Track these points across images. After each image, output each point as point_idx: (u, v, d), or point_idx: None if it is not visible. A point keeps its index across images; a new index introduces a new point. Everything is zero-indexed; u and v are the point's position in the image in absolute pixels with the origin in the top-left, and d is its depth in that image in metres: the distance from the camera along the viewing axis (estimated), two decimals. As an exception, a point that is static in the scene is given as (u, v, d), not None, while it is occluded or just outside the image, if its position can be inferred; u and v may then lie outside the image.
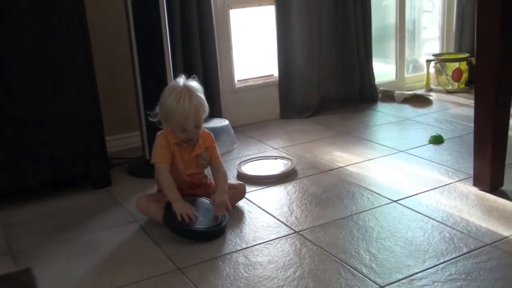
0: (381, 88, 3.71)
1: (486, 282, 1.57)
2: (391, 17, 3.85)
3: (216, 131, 2.56)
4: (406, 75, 3.94)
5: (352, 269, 1.68)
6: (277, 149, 2.83)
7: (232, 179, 2.36)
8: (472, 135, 2.21)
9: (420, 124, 3.13)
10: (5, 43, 2.14)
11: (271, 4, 3.26)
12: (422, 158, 2.58)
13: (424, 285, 1.57)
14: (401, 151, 2.69)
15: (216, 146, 2.14)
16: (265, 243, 1.87)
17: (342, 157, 2.65)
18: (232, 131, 2.93)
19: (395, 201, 2.13)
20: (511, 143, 2.25)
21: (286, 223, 2.01)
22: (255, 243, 1.88)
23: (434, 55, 3.96)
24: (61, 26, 2.22)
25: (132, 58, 2.50)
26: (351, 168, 2.50)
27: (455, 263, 1.68)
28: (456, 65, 3.78)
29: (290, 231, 1.95)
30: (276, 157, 2.68)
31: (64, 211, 2.21)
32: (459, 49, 3.95)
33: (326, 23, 3.38)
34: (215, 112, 2.98)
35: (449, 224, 1.92)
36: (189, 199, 2.03)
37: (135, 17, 2.43)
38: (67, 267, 1.79)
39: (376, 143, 2.84)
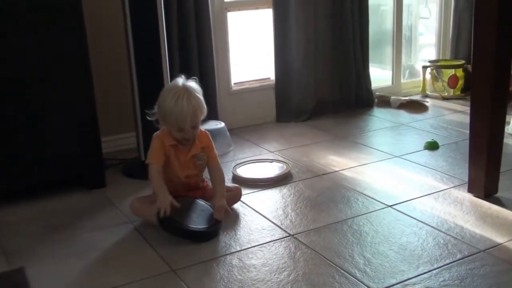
0: (377, 93, 3.72)
1: (480, 288, 1.58)
2: (388, 23, 3.86)
3: (212, 133, 2.53)
4: (402, 81, 3.96)
5: (346, 273, 1.68)
6: (272, 152, 2.83)
7: (228, 182, 2.35)
8: (467, 141, 2.22)
9: (415, 130, 3.14)
10: (1, 43, 2.13)
11: (268, 7, 3.27)
12: (417, 163, 2.59)
13: (418, 290, 1.58)
14: (396, 156, 2.69)
15: (214, 146, 2.14)
16: (259, 246, 1.87)
17: (338, 161, 2.65)
18: (228, 133, 2.93)
19: (390, 206, 2.14)
20: (505, 150, 2.26)
21: (280, 226, 2.01)
22: (249, 246, 1.87)
23: (430, 61, 3.97)
24: (58, 26, 2.22)
25: (129, 59, 2.50)
26: (346, 173, 2.50)
27: (449, 269, 1.68)
28: (452, 71, 3.79)
29: (285, 234, 1.95)
30: (271, 160, 2.68)
31: (58, 212, 2.21)
32: (455, 56, 3.97)
33: (323, 27, 3.39)
34: (211, 114, 2.96)
35: (443, 230, 1.93)
36: (186, 200, 2.03)
37: (132, 18, 2.42)
38: (60, 267, 1.78)
39: (371, 148, 2.85)
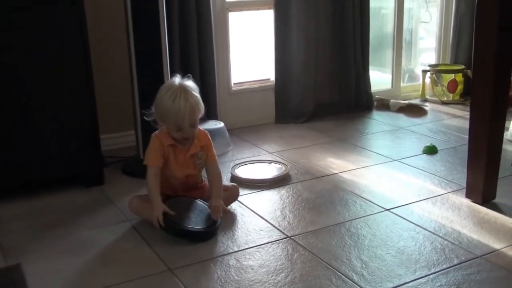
0: (376, 96, 3.73)
1: (476, 293, 1.58)
2: (389, 26, 3.87)
3: (211, 133, 2.53)
4: (402, 85, 3.96)
5: (343, 276, 1.68)
6: (271, 153, 2.83)
7: (226, 182, 2.35)
8: (465, 146, 2.22)
9: (414, 133, 3.14)
10: (3, 39, 2.13)
11: (269, 8, 3.27)
12: (415, 167, 2.59)
13: (415, 295, 1.58)
14: (395, 160, 2.70)
15: (212, 145, 2.13)
16: (257, 247, 1.87)
17: (336, 164, 2.65)
18: (227, 133, 2.93)
19: (388, 209, 2.14)
20: (504, 156, 2.26)
21: (278, 227, 2.01)
22: (247, 247, 1.87)
23: (430, 65, 3.98)
24: (60, 23, 2.21)
25: (130, 58, 2.49)
26: (344, 175, 2.50)
27: (446, 274, 1.68)
28: (451, 76, 3.80)
29: (282, 236, 1.95)
30: (270, 161, 2.68)
31: (56, 209, 2.20)
32: (455, 61, 3.98)
33: (324, 29, 3.39)
34: (210, 114, 2.98)
35: (440, 234, 1.93)
36: (184, 200, 2.03)
37: (134, 17, 2.42)
38: (57, 265, 1.78)
39: (370, 151, 2.85)
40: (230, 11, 3.16)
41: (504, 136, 2.22)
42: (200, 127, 2.10)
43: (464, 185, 2.24)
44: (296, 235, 1.95)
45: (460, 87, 3.82)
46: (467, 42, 3.87)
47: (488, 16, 1.99)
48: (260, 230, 2.00)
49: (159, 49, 2.48)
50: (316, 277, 1.68)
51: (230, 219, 2.08)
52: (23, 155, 2.24)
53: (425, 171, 2.54)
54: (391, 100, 3.68)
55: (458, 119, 3.43)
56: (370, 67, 3.62)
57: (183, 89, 1.98)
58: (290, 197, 2.28)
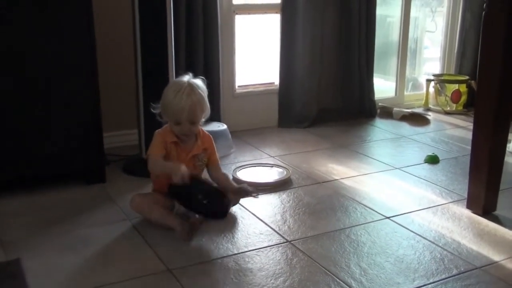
0: (380, 104, 3.73)
1: (474, 305, 1.59)
2: (394, 35, 3.88)
3: (214, 135, 2.54)
4: (405, 93, 3.97)
5: (342, 282, 1.68)
6: (273, 157, 2.84)
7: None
8: (467, 157, 2.22)
9: (416, 142, 3.15)
10: (7, 37, 2.14)
11: (276, 12, 3.28)
12: (417, 176, 2.59)
13: (413, 304, 1.58)
14: (396, 168, 2.70)
15: (216, 150, 2.15)
16: (256, 250, 1.87)
17: (338, 170, 2.65)
18: (229, 135, 2.93)
19: (388, 217, 2.14)
20: (506, 169, 2.26)
21: (278, 231, 2.01)
22: (246, 250, 1.88)
23: (434, 75, 3.98)
24: (67, 21, 2.22)
25: (136, 58, 2.50)
26: (346, 181, 2.51)
27: (445, 284, 1.68)
28: (455, 86, 3.80)
29: (282, 240, 1.95)
30: (272, 165, 2.69)
31: (56, 205, 2.20)
32: (459, 71, 3.98)
33: (330, 35, 3.40)
34: (214, 116, 2.97)
35: (440, 244, 1.93)
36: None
37: (141, 17, 2.43)
38: (56, 261, 1.78)
39: (372, 158, 2.85)
40: (237, 14, 3.17)
41: (507, 148, 2.21)
42: (205, 131, 2.11)
43: (465, 195, 2.24)
44: (296, 239, 1.95)
45: (463, 98, 3.82)
46: (471, 53, 3.87)
47: (494, 29, 2.00)
48: (260, 233, 2.00)
49: (165, 49, 2.49)
50: (315, 282, 1.68)
51: (230, 222, 2.08)
52: (26, 151, 2.25)
53: (426, 180, 2.54)
54: (394, 108, 3.69)
55: (461, 129, 3.43)
56: (374, 75, 3.62)
57: (189, 86, 2.01)
58: (291, 202, 2.28)
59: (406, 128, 3.45)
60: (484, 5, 2.03)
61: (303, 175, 2.58)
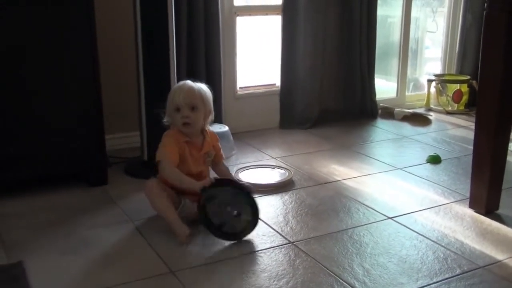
0: (381, 104, 3.73)
1: (478, 304, 1.58)
2: (396, 35, 3.87)
3: (216, 136, 2.57)
4: (407, 93, 3.97)
5: (345, 283, 1.68)
6: (275, 158, 2.83)
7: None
8: (469, 157, 2.22)
9: (418, 142, 3.14)
10: (7, 36, 2.14)
11: (277, 14, 3.28)
12: (419, 176, 2.59)
13: (416, 304, 1.58)
14: (398, 169, 2.69)
15: (220, 147, 2.23)
16: (259, 252, 1.87)
17: (340, 171, 2.65)
18: (231, 137, 2.93)
19: (391, 218, 2.14)
20: (508, 168, 2.26)
21: (281, 233, 2.01)
22: (249, 251, 1.87)
23: (435, 75, 3.98)
24: (69, 21, 2.22)
25: (137, 59, 2.50)
26: (348, 182, 2.50)
27: (448, 284, 1.68)
28: (457, 86, 3.80)
29: (285, 241, 1.95)
30: (273, 167, 2.69)
31: (59, 207, 2.20)
32: (460, 71, 3.98)
33: (331, 36, 3.40)
34: (215, 118, 2.95)
35: (443, 244, 1.93)
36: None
37: (143, 19, 2.43)
38: (58, 263, 1.78)
39: (374, 158, 2.85)
40: (238, 15, 3.17)
41: (509, 148, 2.21)
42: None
43: (468, 195, 2.24)
44: (299, 241, 1.95)
45: (465, 98, 3.82)
46: (473, 53, 3.87)
47: (495, 29, 2.00)
48: (263, 235, 2.00)
49: (167, 52, 2.49)
50: (318, 283, 1.68)
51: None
52: (27, 152, 2.25)
53: (429, 180, 2.54)
54: (396, 109, 3.68)
55: (462, 129, 3.43)
56: (376, 75, 3.62)
57: (193, 81, 2.08)
58: (293, 203, 2.28)
59: (407, 128, 3.45)
60: (485, 5, 2.03)
61: (305, 176, 2.58)
